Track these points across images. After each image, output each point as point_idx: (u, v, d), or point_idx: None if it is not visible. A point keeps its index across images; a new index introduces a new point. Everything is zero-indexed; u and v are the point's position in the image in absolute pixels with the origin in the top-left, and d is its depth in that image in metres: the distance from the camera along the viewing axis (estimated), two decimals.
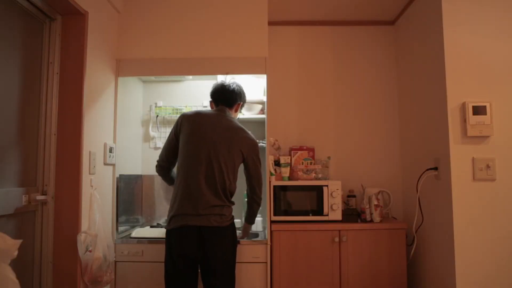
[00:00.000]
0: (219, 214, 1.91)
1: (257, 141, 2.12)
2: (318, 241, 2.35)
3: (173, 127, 2.08)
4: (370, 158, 2.86)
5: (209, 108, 2.29)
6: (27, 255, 1.78)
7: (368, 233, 2.36)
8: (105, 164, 2.27)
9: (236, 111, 2.20)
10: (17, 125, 1.73)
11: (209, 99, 2.21)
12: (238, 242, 2.17)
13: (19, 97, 1.74)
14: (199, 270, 1.95)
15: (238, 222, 2.67)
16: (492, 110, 2.04)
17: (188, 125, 2.01)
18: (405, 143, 2.76)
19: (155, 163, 2.16)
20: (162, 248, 2.31)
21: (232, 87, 2.16)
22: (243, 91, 2.23)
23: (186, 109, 2.86)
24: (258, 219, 2.58)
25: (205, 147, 1.95)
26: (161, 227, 2.55)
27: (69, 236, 1.91)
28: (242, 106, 2.27)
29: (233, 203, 2.02)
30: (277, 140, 2.63)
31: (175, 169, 2.11)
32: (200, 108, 2.83)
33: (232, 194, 2.02)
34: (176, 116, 2.88)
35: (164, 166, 2.12)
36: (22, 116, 1.76)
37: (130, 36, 2.48)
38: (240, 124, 2.10)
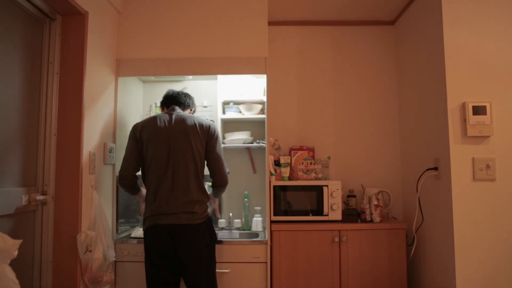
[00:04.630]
0: (190, 212, 1.94)
1: (212, 121, 2.18)
2: (318, 241, 2.35)
3: (130, 139, 2.10)
4: (370, 158, 2.86)
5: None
6: (27, 255, 1.78)
7: (368, 233, 2.36)
8: (105, 164, 2.27)
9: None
10: (17, 125, 1.73)
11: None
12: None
13: (19, 97, 1.74)
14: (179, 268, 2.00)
15: (238, 222, 2.68)
16: (492, 110, 2.04)
17: (145, 133, 2.04)
18: (405, 143, 2.76)
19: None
20: None
21: (178, 91, 2.27)
22: (191, 96, 2.32)
23: None
24: (258, 219, 2.58)
25: (164, 148, 1.99)
26: None
27: (69, 236, 1.91)
28: (194, 111, 2.35)
29: (207, 197, 2.05)
30: (277, 140, 2.63)
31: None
32: (207, 107, 2.90)
33: (203, 187, 2.05)
34: None
35: (129, 175, 2.08)
36: (22, 116, 1.76)
37: (130, 36, 2.48)
38: (191, 114, 2.18)
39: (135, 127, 2.10)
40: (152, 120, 2.08)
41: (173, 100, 2.21)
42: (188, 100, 2.26)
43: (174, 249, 1.93)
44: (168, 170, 1.97)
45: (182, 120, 2.06)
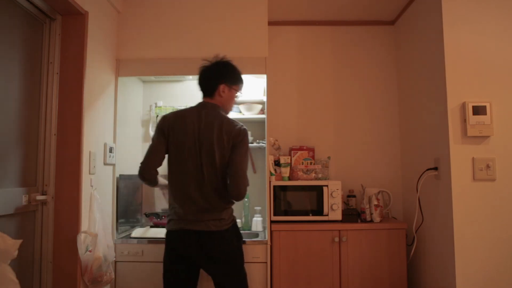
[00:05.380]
0: (217, 219, 1.84)
1: (244, 127, 1.87)
2: (318, 241, 2.35)
3: (157, 132, 1.90)
4: (370, 158, 2.86)
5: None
6: (27, 255, 1.78)
7: (368, 233, 2.36)
8: (105, 164, 2.27)
9: (221, 95, 1.91)
10: (17, 125, 1.73)
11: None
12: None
13: (19, 97, 1.74)
14: (207, 273, 1.92)
15: (238, 222, 2.68)
16: (492, 110, 2.03)
17: (172, 130, 1.86)
18: (405, 143, 2.76)
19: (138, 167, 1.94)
20: (162, 248, 2.30)
21: (208, 67, 1.92)
22: (228, 67, 1.94)
23: None
24: (258, 219, 2.58)
25: (190, 152, 1.83)
26: (158, 216, 2.54)
27: (69, 236, 1.91)
28: (230, 85, 1.93)
29: (232, 203, 1.93)
30: (277, 140, 2.63)
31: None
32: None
33: (229, 196, 1.88)
34: None
35: (145, 169, 1.91)
36: (22, 116, 1.76)
37: (130, 36, 2.48)
38: (222, 114, 1.90)
39: (164, 120, 1.90)
40: (181, 118, 1.87)
41: (202, 88, 1.94)
42: (219, 79, 1.90)
43: (201, 255, 1.83)
44: (194, 175, 1.82)
45: (210, 122, 1.84)
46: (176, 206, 1.87)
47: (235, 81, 1.97)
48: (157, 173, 1.95)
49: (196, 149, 1.83)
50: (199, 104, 1.94)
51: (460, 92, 2.06)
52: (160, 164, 1.93)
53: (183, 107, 2.82)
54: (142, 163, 1.91)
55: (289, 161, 2.57)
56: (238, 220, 2.66)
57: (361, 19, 2.90)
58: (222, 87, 1.91)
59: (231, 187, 1.83)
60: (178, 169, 1.87)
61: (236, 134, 1.83)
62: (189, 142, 1.84)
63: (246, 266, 1.97)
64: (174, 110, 2.80)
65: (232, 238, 1.90)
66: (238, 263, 1.92)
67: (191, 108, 1.93)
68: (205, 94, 1.96)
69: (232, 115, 2.72)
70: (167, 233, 1.91)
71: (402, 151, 2.82)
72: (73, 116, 1.96)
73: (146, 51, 2.47)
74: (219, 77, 1.91)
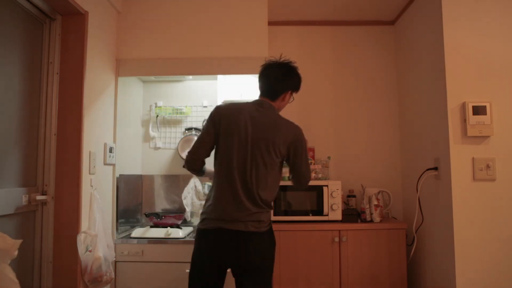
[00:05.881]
0: (257, 220, 1.77)
1: (299, 126, 1.86)
2: (318, 241, 2.35)
3: (209, 122, 1.82)
4: (370, 158, 2.86)
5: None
6: (27, 255, 1.78)
7: (368, 233, 2.36)
8: (105, 164, 2.27)
9: (283, 100, 1.90)
10: (17, 125, 1.73)
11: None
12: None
13: (19, 97, 1.74)
14: (234, 275, 1.84)
15: None
16: (492, 110, 2.03)
17: (226, 124, 1.78)
18: (405, 143, 2.76)
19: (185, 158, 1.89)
20: (162, 248, 2.32)
21: (277, 69, 1.86)
22: (298, 76, 1.91)
23: (186, 109, 2.86)
24: None
25: (240, 148, 1.76)
26: (158, 216, 2.53)
27: (69, 236, 1.91)
28: (292, 92, 1.92)
29: (271, 208, 1.85)
30: None
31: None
32: (207, 107, 2.85)
33: (271, 199, 1.84)
34: (176, 116, 2.88)
35: (195, 159, 1.86)
36: (22, 116, 1.76)
37: (130, 36, 2.48)
38: (279, 115, 1.87)
39: (217, 110, 1.81)
40: (236, 111, 1.79)
41: (266, 90, 1.87)
42: (289, 87, 1.88)
43: (240, 257, 1.76)
44: (241, 172, 1.75)
45: (267, 122, 1.79)
46: (216, 202, 1.77)
47: (298, 89, 1.95)
48: (203, 163, 1.89)
49: (247, 146, 1.76)
50: (256, 102, 1.86)
51: (460, 92, 2.06)
52: (208, 155, 1.87)
53: (183, 107, 2.86)
54: (189, 153, 1.84)
55: None
56: None
57: (361, 19, 2.90)
58: (288, 94, 1.89)
59: (297, 184, 1.90)
60: (225, 163, 1.77)
61: (295, 134, 1.82)
62: (240, 137, 1.76)
63: None
64: (174, 110, 2.83)
65: (269, 242, 1.84)
66: (269, 270, 1.84)
67: (247, 104, 1.86)
68: (266, 95, 1.87)
69: None
70: (201, 232, 1.79)
71: (402, 151, 2.82)
72: (73, 116, 1.96)
73: (146, 51, 2.47)
74: (289, 86, 1.88)
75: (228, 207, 1.75)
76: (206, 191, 2.65)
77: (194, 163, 1.86)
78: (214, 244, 1.76)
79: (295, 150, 1.82)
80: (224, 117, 1.79)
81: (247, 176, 1.75)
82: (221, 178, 1.78)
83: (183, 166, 1.90)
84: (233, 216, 1.74)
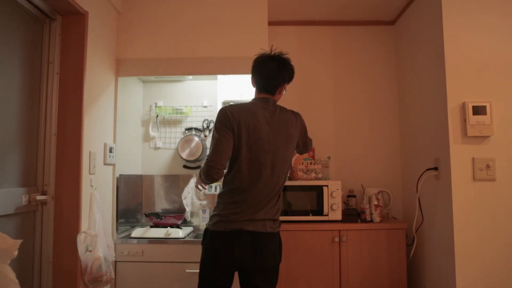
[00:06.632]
0: (273, 219, 1.78)
1: (298, 113, 1.95)
2: (318, 241, 2.35)
3: (225, 128, 1.73)
4: (370, 158, 2.86)
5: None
6: (27, 255, 1.78)
7: (368, 233, 2.36)
8: (105, 164, 2.27)
9: (280, 93, 1.92)
10: (17, 125, 1.73)
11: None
12: None
13: (19, 97, 1.74)
14: (242, 274, 1.81)
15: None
16: (492, 110, 2.03)
17: (245, 127, 1.74)
18: (405, 143, 2.76)
19: (205, 166, 1.77)
20: (162, 248, 2.32)
21: (273, 64, 1.84)
22: (292, 68, 1.94)
23: (186, 109, 2.86)
24: None
25: (264, 150, 1.74)
26: (158, 216, 2.53)
27: (69, 236, 1.91)
28: (287, 84, 1.95)
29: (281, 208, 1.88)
30: None
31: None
32: (207, 107, 2.83)
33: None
34: (176, 116, 2.88)
35: (220, 169, 1.75)
36: (22, 116, 1.76)
37: (130, 36, 2.48)
38: (284, 108, 1.90)
39: (231, 115, 1.74)
40: (251, 114, 1.76)
41: (267, 86, 1.85)
42: (286, 80, 1.90)
43: (255, 258, 1.73)
44: (268, 175, 1.75)
45: (280, 120, 1.81)
46: (234, 206, 1.74)
47: (291, 80, 1.98)
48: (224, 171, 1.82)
49: (270, 147, 1.75)
50: (262, 100, 1.84)
51: (460, 92, 2.06)
52: (228, 161, 1.79)
53: (183, 107, 2.86)
54: (211, 162, 1.72)
55: None
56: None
57: (361, 19, 2.90)
58: (284, 87, 1.92)
59: (304, 150, 2.05)
60: (248, 168, 1.74)
61: (300, 121, 1.94)
62: (264, 140, 1.75)
63: None
64: (174, 110, 2.83)
65: (280, 242, 1.84)
66: (278, 268, 1.84)
67: (255, 104, 1.83)
68: (266, 90, 1.86)
69: None
70: (213, 234, 1.74)
71: (402, 151, 2.82)
72: (73, 116, 1.96)
73: (146, 51, 2.47)
74: (285, 79, 1.90)
75: (249, 210, 1.73)
76: (207, 191, 2.64)
77: (217, 172, 1.73)
78: (232, 246, 1.72)
79: (302, 133, 1.94)
80: (242, 121, 1.74)
81: (271, 177, 1.76)
82: (243, 182, 1.74)
83: (199, 177, 1.82)
84: (257, 216, 1.74)
